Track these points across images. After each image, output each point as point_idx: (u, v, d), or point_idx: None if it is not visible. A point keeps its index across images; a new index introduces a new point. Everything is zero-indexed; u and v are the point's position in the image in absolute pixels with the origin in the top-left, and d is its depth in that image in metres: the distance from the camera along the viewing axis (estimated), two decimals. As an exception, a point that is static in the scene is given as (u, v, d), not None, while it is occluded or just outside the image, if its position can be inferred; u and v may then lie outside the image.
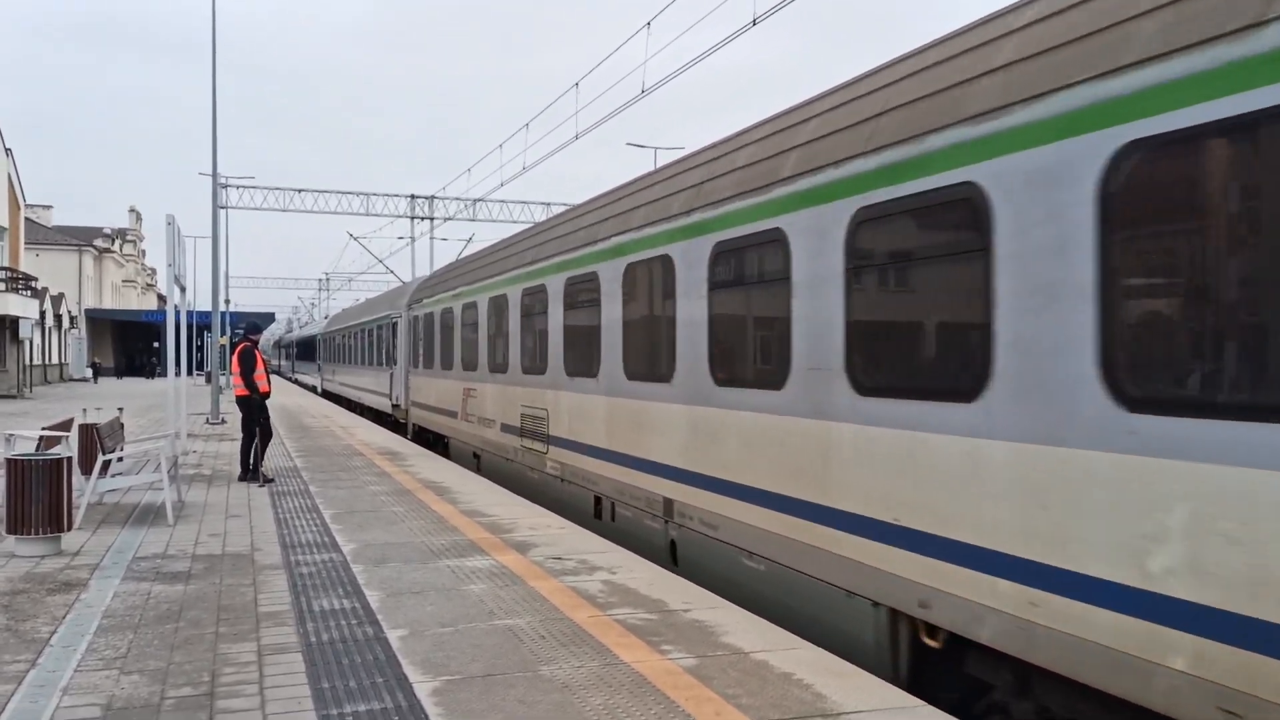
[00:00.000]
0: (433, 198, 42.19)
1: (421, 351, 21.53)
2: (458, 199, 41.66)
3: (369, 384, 30.40)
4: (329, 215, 41.71)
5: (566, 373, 11.82)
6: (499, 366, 14.72)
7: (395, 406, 25.00)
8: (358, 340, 33.22)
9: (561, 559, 8.41)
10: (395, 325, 25.08)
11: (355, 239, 41.81)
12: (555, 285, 12.27)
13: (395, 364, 24.90)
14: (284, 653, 5.80)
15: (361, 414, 31.46)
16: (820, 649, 5.89)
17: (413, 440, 21.93)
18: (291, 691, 5.12)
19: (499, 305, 14.75)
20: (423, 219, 42.22)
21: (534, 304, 13.08)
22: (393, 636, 6.09)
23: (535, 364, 13.04)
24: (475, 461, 16.58)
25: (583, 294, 11.33)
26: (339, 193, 41.17)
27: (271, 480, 13.72)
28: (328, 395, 44.27)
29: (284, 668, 5.52)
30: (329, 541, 9.28)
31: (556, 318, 12.20)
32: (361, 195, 41.53)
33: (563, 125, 41.61)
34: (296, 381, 65.96)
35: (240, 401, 14.15)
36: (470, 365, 16.62)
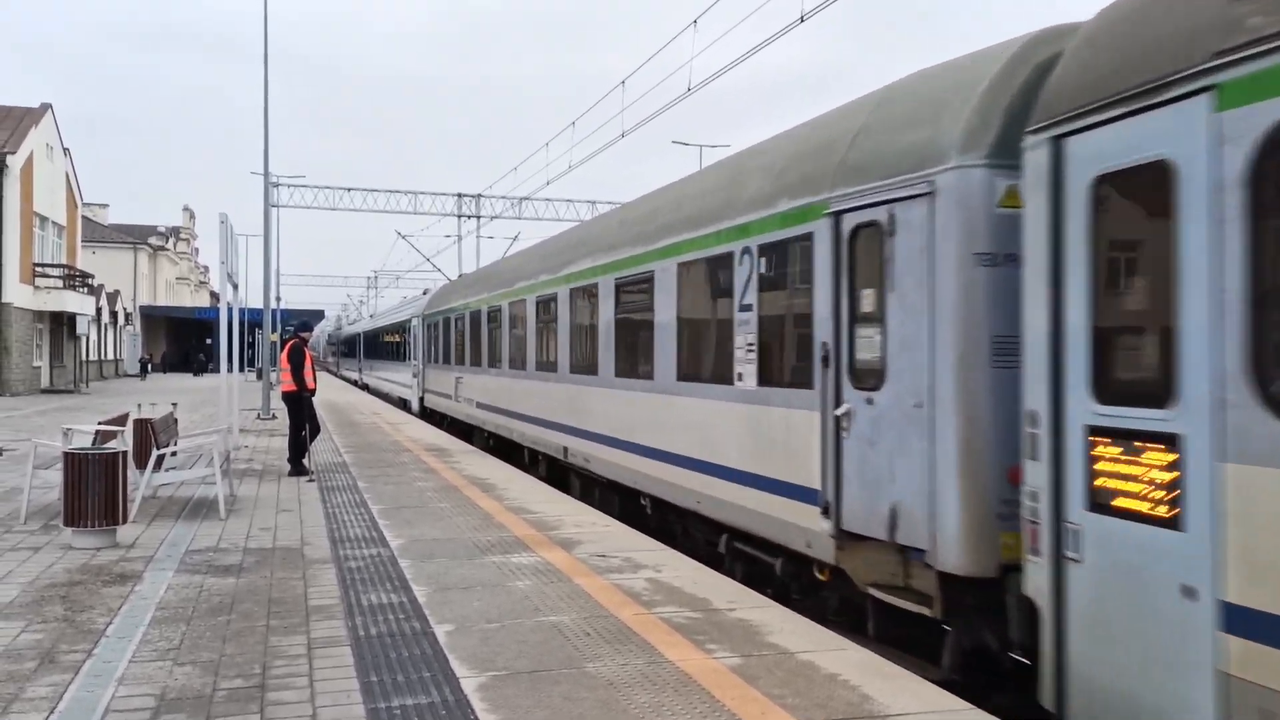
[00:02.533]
0: (479, 196, 42.38)
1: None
2: (504, 197, 41.80)
3: (719, 433, 9.06)
4: (377, 214, 42.10)
5: None
6: None
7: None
8: (584, 313, 13.24)
9: (606, 556, 8.42)
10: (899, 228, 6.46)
11: (403, 237, 42.16)
12: None
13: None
14: (333, 646, 5.87)
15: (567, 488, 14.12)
16: (868, 650, 5.85)
17: None
18: (341, 684, 5.18)
19: None
20: (469, 217, 42.45)
21: None
22: (440, 631, 6.14)
23: None
24: None
25: None
26: (387, 191, 41.52)
27: (311, 476, 13.82)
28: (428, 416, 27.78)
29: (333, 661, 5.58)
30: (377, 536, 9.37)
31: None
32: (409, 194, 41.84)
33: (608, 124, 41.68)
34: (366, 388, 47.80)
35: (288, 397, 14.33)
36: None
